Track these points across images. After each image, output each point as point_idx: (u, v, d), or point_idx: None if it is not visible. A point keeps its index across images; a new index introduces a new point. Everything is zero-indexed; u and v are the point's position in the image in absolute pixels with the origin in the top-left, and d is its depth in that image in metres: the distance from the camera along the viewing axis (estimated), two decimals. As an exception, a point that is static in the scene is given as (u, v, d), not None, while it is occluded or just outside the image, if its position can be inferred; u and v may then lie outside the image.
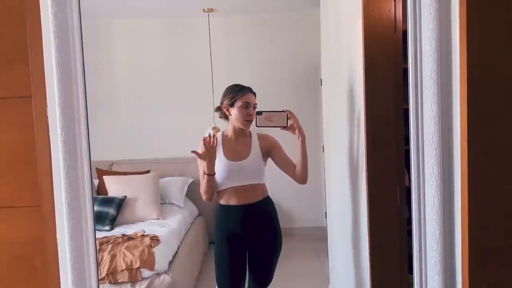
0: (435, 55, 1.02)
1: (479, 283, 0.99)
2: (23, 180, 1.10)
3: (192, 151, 2.09)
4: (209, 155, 2.07)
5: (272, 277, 2.30)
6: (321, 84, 4.03)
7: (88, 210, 1.09)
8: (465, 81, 0.98)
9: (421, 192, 1.06)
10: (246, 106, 2.13)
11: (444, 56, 1.03)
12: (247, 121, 2.14)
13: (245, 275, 2.26)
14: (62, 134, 1.05)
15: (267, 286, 2.29)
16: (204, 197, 2.16)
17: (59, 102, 1.05)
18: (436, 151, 1.03)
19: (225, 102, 2.18)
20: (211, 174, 2.10)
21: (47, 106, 1.08)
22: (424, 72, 1.04)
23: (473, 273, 0.99)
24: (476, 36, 0.97)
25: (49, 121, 1.08)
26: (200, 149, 2.09)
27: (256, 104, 2.16)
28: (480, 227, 0.99)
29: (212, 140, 2.06)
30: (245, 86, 2.18)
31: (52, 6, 1.02)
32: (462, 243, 1.01)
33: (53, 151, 1.09)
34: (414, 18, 1.05)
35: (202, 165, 2.15)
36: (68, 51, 1.05)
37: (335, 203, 2.96)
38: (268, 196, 2.27)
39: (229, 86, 2.21)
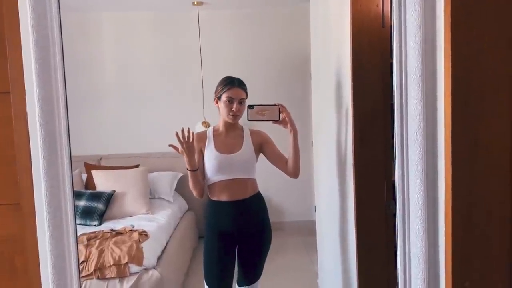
0: (419, 51, 1.01)
1: (462, 280, 0.99)
2: (2, 177, 1.08)
3: (170, 145, 2.06)
4: (186, 150, 2.02)
5: (261, 273, 2.30)
6: (311, 79, 4.02)
7: (69, 207, 1.07)
8: (450, 78, 0.97)
9: (405, 189, 1.06)
10: (230, 101, 2.10)
11: (429, 52, 1.02)
12: (232, 115, 2.12)
13: (234, 271, 2.25)
14: (41, 130, 1.03)
15: (256, 281, 2.29)
16: (194, 193, 2.15)
17: (38, 98, 1.02)
18: (420, 148, 1.03)
19: (215, 94, 2.16)
20: (193, 169, 2.08)
21: (26, 102, 1.06)
22: (409, 68, 1.03)
23: (457, 271, 0.99)
24: (461, 32, 0.96)
25: (28, 117, 1.06)
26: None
27: (243, 98, 2.13)
28: (464, 225, 0.99)
29: (186, 134, 2.00)
30: (234, 80, 2.14)
31: (30, -1, 1.00)
32: (445, 240, 1.01)
33: (32, 147, 1.07)
34: (399, 14, 1.04)
35: None
36: (47, 45, 1.02)
37: (323, 197, 2.97)
38: (259, 192, 2.26)
39: (223, 77, 2.18)
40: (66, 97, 1.04)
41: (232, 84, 2.11)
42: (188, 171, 2.08)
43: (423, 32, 1.01)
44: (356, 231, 1.97)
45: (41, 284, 1.09)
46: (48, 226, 1.04)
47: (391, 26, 1.89)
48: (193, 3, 4.17)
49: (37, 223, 1.08)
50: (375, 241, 1.95)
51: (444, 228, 1.03)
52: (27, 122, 1.06)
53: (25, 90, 1.05)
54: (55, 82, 1.03)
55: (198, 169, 2.10)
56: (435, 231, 1.06)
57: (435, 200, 1.05)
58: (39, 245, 1.08)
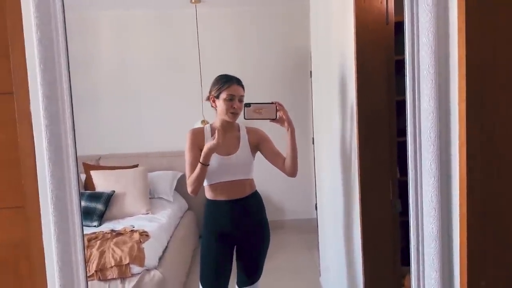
0: (432, 48, 0.99)
1: (478, 280, 0.98)
2: (6, 180, 1.05)
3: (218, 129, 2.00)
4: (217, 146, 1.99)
5: (261, 271, 2.28)
6: (311, 76, 4.00)
7: (75, 211, 1.04)
8: (464, 75, 0.95)
9: (419, 188, 1.04)
10: (231, 98, 2.08)
11: (442, 49, 1.00)
12: (232, 113, 2.09)
13: (230, 272, 2.23)
14: (46, 132, 1.00)
15: (256, 280, 2.27)
16: (190, 189, 2.06)
17: (43, 99, 1.00)
18: (433, 146, 1.01)
19: (212, 93, 2.14)
20: (206, 164, 2.03)
21: (30, 102, 1.03)
22: (422, 65, 1.01)
23: (472, 271, 0.98)
24: (475, 28, 0.94)
25: (32, 119, 1.03)
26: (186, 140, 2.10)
27: (242, 96, 2.11)
28: (479, 224, 0.98)
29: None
30: (232, 77, 2.12)
31: (34, -3, 0.97)
32: (460, 240, 1.00)
33: (37, 149, 1.04)
34: (411, 10, 1.02)
35: (191, 156, 2.10)
36: (52, 44, 0.99)
37: (326, 195, 2.95)
38: (256, 191, 2.24)
39: (218, 76, 2.16)
40: (71, 97, 1.02)
41: (231, 81, 2.10)
42: (200, 164, 2.01)
43: (436, 28, 0.99)
44: (361, 230, 1.96)
45: (47, 289, 1.07)
46: (55, 229, 1.02)
47: (395, 23, 1.89)
48: (191, 1, 4.14)
49: (42, 226, 1.05)
50: (380, 239, 1.94)
51: (458, 227, 1.01)
52: (31, 123, 1.03)
53: (29, 91, 1.02)
54: (60, 82, 1.00)
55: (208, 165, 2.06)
56: (449, 230, 1.04)
57: (449, 198, 1.04)
58: (45, 250, 1.06)
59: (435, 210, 1.01)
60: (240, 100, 2.09)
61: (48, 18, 0.98)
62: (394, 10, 1.88)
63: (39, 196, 1.05)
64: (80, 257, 1.04)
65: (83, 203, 3.45)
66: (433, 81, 0.99)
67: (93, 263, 2.63)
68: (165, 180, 4.18)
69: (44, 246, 1.05)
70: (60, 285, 1.02)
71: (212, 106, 2.18)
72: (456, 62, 0.98)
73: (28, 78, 1.02)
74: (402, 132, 1.90)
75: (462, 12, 0.95)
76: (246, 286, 2.26)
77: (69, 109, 1.02)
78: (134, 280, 2.63)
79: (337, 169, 2.43)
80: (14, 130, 1.04)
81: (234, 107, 2.08)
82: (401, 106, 1.85)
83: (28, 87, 1.03)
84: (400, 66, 1.87)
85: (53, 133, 1.01)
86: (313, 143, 3.86)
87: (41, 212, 1.05)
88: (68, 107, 1.02)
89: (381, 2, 1.88)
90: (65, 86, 1.01)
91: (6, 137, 1.04)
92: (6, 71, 1.03)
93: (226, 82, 2.09)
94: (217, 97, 2.11)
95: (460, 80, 0.97)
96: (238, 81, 2.12)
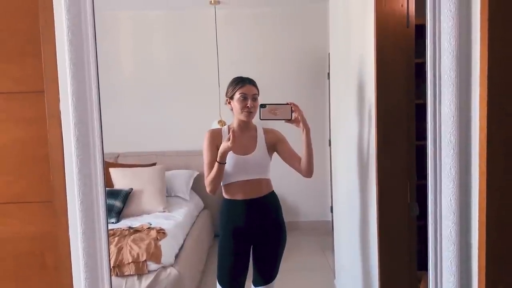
0: (454, 53, 1.00)
1: (495, 284, 0.98)
2: (36, 175, 1.09)
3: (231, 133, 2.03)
4: (232, 146, 2.02)
5: (277, 272, 2.30)
6: (328, 78, 4.01)
7: (101, 206, 1.08)
8: (485, 80, 0.96)
9: (438, 192, 1.05)
10: (244, 97, 2.12)
11: (464, 53, 1.01)
12: (246, 112, 2.12)
13: (247, 271, 2.25)
14: (75, 129, 1.04)
15: (272, 280, 2.29)
16: (209, 188, 2.12)
17: (72, 98, 1.03)
18: (453, 150, 1.02)
19: (227, 95, 2.19)
20: (223, 162, 2.08)
21: (59, 101, 1.07)
22: (443, 70, 1.02)
23: (490, 274, 0.98)
24: (498, 34, 0.95)
25: (61, 117, 1.07)
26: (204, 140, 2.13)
27: (256, 94, 2.14)
28: (497, 228, 0.98)
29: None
30: (245, 78, 2.17)
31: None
32: (479, 244, 1.00)
33: (65, 146, 1.08)
34: (433, 14, 1.03)
35: (209, 156, 2.14)
36: (81, 45, 1.03)
37: (342, 197, 2.95)
38: (273, 191, 2.26)
39: (232, 78, 2.21)
40: (99, 96, 1.05)
41: (243, 82, 2.15)
42: (217, 163, 2.06)
43: (458, 33, 0.99)
44: (378, 232, 1.96)
45: (72, 281, 1.10)
46: (81, 224, 1.05)
47: (416, 26, 1.89)
48: (210, 2, 4.17)
49: (69, 221, 1.09)
50: (397, 242, 1.94)
51: (477, 231, 1.01)
52: (61, 121, 1.07)
53: (59, 89, 1.06)
54: (89, 81, 1.04)
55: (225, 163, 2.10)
56: (467, 235, 1.04)
57: (468, 202, 1.04)
58: (71, 243, 1.09)
59: (454, 214, 1.02)
60: (254, 99, 2.13)
61: (79, 20, 1.02)
62: (415, 13, 1.88)
63: (67, 191, 1.09)
64: (104, 252, 1.07)
65: (101, 200, 3.51)
66: (454, 85, 1.00)
67: (111, 259, 2.67)
68: (182, 179, 4.23)
69: (70, 240, 1.09)
70: (85, 278, 1.06)
71: (230, 109, 2.22)
72: (477, 67, 0.99)
73: (58, 77, 1.06)
74: (420, 135, 1.91)
75: (485, 18, 0.95)
76: (262, 285, 2.28)
77: (97, 107, 1.06)
78: (150, 277, 2.67)
79: (353, 171, 2.44)
80: (44, 127, 1.08)
81: (247, 106, 2.11)
82: (420, 109, 1.85)
83: (58, 85, 1.07)
84: (419, 69, 1.88)
85: (81, 131, 1.05)
86: (329, 145, 3.86)
87: (68, 207, 1.09)
88: (96, 105, 1.06)
89: (402, 5, 1.88)
90: (94, 85, 1.04)
91: (36, 134, 1.08)
92: (37, 70, 1.07)
93: (238, 82, 2.15)
94: (232, 98, 2.16)
95: (482, 85, 0.97)
96: (250, 81, 2.17)
